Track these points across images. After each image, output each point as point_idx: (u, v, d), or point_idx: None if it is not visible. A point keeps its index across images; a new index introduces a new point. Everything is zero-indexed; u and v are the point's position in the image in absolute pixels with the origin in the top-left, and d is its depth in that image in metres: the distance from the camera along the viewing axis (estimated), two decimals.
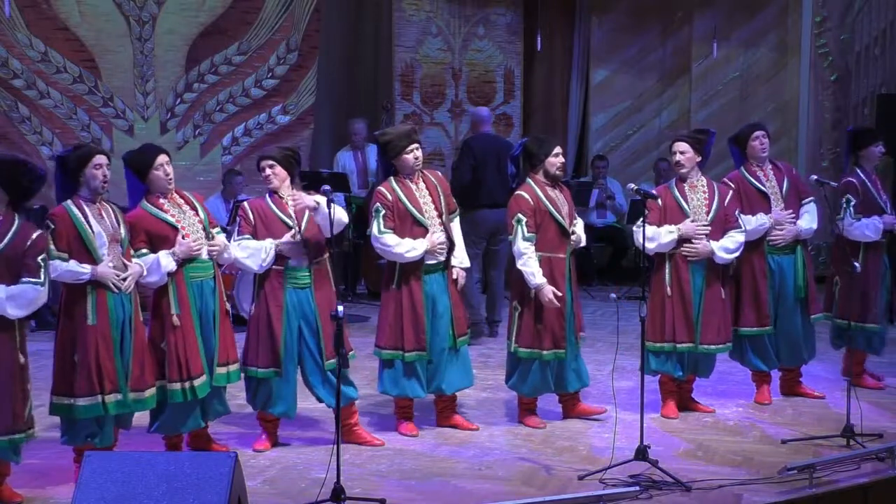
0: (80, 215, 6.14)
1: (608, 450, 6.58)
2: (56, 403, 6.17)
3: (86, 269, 6.08)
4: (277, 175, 6.87)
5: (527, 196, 7.27)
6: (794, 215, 7.93)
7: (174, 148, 11.43)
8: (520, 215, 7.22)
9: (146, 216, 6.49)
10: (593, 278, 12.90)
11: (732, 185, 7.78)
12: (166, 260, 6.41)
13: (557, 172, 7.37)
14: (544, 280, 7.17)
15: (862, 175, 8.22)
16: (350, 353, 6.97)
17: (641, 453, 6.35)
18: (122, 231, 6.28)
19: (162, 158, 6.52)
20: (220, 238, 6.69)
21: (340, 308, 5.86)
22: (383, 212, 7.06)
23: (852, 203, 8.08)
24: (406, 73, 12.88)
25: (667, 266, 7.53)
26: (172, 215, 6.52)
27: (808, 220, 7.96)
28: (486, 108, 11.15)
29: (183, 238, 6.48)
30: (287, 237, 6.79)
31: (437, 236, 7.11)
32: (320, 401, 6.94)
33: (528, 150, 7.40)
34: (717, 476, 6.35)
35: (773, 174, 7.97)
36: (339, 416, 6.13)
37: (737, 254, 7.61)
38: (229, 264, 7.11)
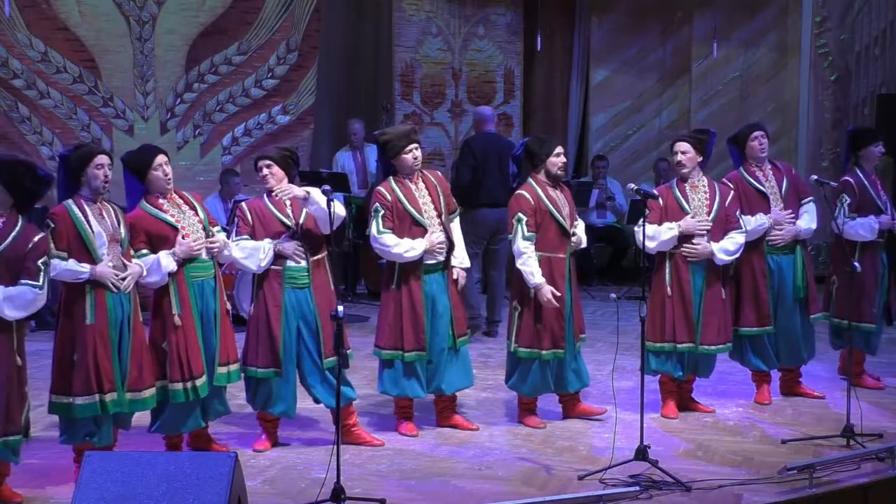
0: (80, 215, 6.14)
1: (608, 450, 6.58)
2: (55, 402, 6.17)
3: (85, 268, 6.08)
4: (275, 175, 6.87)
5: (527, 195, 7.27)
6: (793, 215, 7.93)
7: (174, 148, 11.44)
8: (520, 214, 7.22)
9: (146, 216, 6.49)
10: (593, 278, 12.90)
11: (732, 186, 7.78)
12: (167, 260, 6.42)
13: (559, 172, 7.37)
14: (543, 280, 7.17)
15: (861, 175, 8.23)
16: (348, 350, 6.96)
17: (641, 453, 6.35)
18: (123, 231, 6.28)
19: (161, 159, 6.52)
20: (220, 236, 6.69)
21: (340, 308, 5.87)
22: (382, 212, 7.06)
23: (846, 202, 8.09)
24: (406, 73, 12.89)
25: (667, 266, 7.54)
26: (172, 215, 6.52)
27: (808, 220, 7.96)
28: (488, 108, 11.15)
29: (183, 238, 6.49)
30: (285, 236, 6.80)
31: (436, 236, 7.11)
32: (317, 401, 6.93)
33: (529, 149, 7.40)
34: (717, 476, 6.35)
35: (773, 174, 7.97)
36: (339, 416, 6.13)
37: (737, 255, 7.60)
38: (229, 264, 7.11)
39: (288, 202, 6.87)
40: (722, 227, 7.54)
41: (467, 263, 7.42)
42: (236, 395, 7.18)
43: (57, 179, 6.27)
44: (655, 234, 7.42)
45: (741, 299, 7.88)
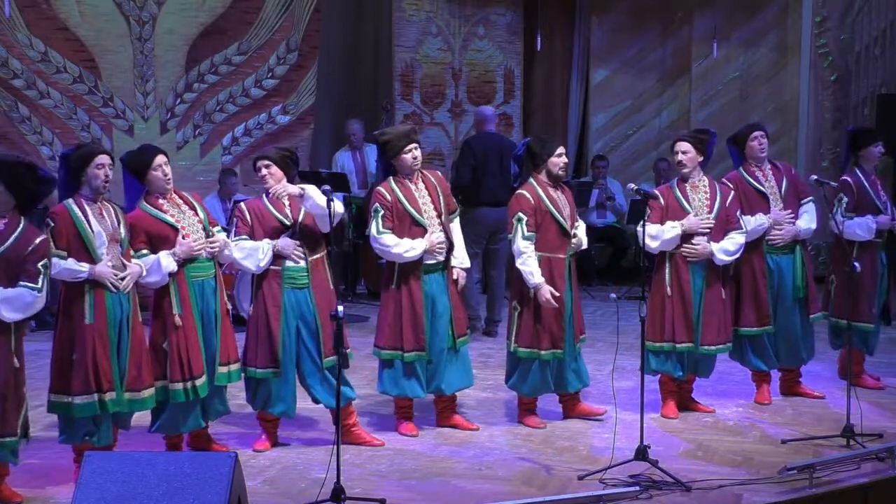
0: (80, 214, 6.14)
1: (608, 450, 6.58)
2: (54, 401, 6.17)
3: (84, 267, 6.08)
4: (273, 175, 6.87)
5: (528, 195, 7.27)
6: (792, 215, 7.93)
7: (174, 148, 11.44)
8: (520, 214, 7.22)
9: (146, 217, 6.49)
10: (593, 278, 12.90)
11: (732, 186, 7.78)
12: (167, 261, 6.42)
13: (560, 173, 7.37)
14: (542, 280, 7.17)
15: (860, 175, 8.23)
16: (347, 350, 6.95)
17: (641, 453, 6.35)
18: (122, 231, 6.28)
19: (160, 159, 6.52)
20: (220, 236, 6.69)
21: (340, 308, 5.87)
22: (382, 212, 7.06)
23: (844, 202, 8.10)
24: (406, 73, 12.89)
25: (667, 266, 7.53)
26: (172, 216, 6.52)
27: (807, 220, 7.96)
28: (489, 107, 11.15)
29: (183, 238, 6.49)
30: (284, 236, 6.80)
31: (436, 236, 7.11)
32: (317, 402, 6.93)
33: (531, 149, 7.40)
34: (717, 476, 6.35)
35: (772, 174, 7.97)
36: (339, 416, 6.13)
37: (736, 256, 7.60)
38: (229, 264, 7.11)
39: (286, 201, 6.87)
40: (722, 227, 7.54)
41: (467, 263, 7.42)
42: (236, 395, 7.18)
43: (58, 178, 6.27)
44: (658, 234, 7.42)
45: (741, 299, 7.88)
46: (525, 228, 7.20)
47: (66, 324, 6.15)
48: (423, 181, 7.21)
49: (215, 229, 6.70)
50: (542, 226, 7.25)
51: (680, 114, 13.77)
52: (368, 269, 12.14)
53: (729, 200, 7.61)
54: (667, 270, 7.54)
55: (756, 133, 7.93)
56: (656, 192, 7.60)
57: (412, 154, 7.11)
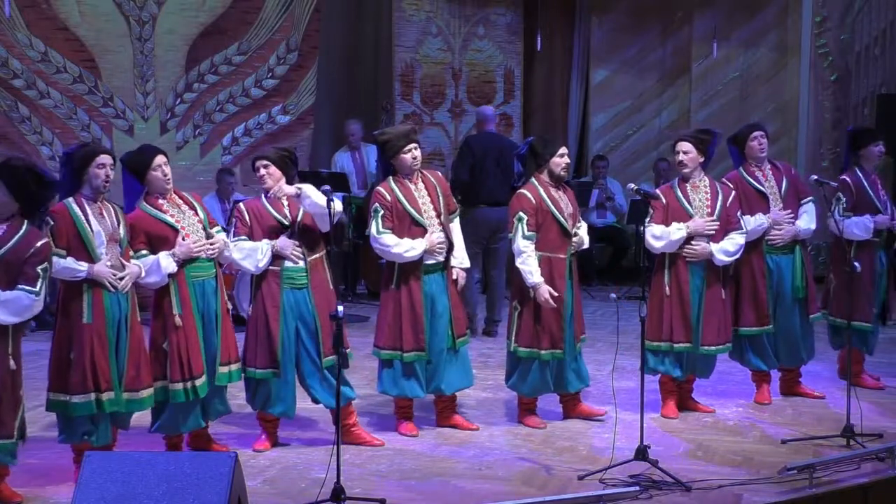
0: (80, 213, 6.14)
1: (608, 450, 6.58)
2: (52, 400, 6.17)
3: (82, 266, 6.08)
4: (272, 175, 6.86)
5: (529, 195, 7.27)
6: (792, 215, 7.93)
7: (174, 148, 11.44)
8: (521, 213, 7.22)
9: (145, 217, 6.48)
10: (593, 278, 12.90)
11: (732, 186, 7.78)
12: (167, 261, 6.41)
13: (562, 173, 7.37)
14: (542, 279, 7.17)
15: (860, 175, 8.22)
16: (347, 350, 6.95)
17: (641, 453, 6.35)
18: (122, 231, 6.28)
19: (160, 159, 6.52)
20: (220, 236, 6.69)
21: (340, 308, 5.87)
22: (382, 212, 7.06)
23: (842, 201, 8.10)
24: (406, 73, 12.89)
25: (666, 266, 7.53)
26: (172, 216, 6.52)
27: (807, 220, 7.96)
28: (489, 107, 11.15)
29: (183, 239, 6.49)
30: (283, 236, 6.80)
31: (435, 236, 7.11)
32: (316, 402, 6.93)
33: (533, 149, 7.40)
34: (717, 476, 6.35)
35: (772, 174, 7.97)
36: (339, 416, 6.13)
37: (736, 256, 7.60)
38: (229, 264, 7.12)
39: (285, 201, 6.87)
40: (722, 227, 7.54)
41: (467, 263, 7.42)
42: (236, 395, 7.17)
43: (59, 177, 6.27)
44: (664, 235, 7.42)
45: (740, 299, 7.88)
46: (525, 228, 7.20)
47: (64, 323, 6.15)
48: (422, 181, 7.21)
49: (215, 230, 6.70)
50: (543, 226, 7.25)
51: (680, 114, 13.78)
52: (368, 269, 12.14)
53: (730, 200, 7.61)
54: (666, 271, 7.53)
55: (756, 133, 7.93)
56: (657, 191, 7.60)
57: (412, 154, 7.11)
